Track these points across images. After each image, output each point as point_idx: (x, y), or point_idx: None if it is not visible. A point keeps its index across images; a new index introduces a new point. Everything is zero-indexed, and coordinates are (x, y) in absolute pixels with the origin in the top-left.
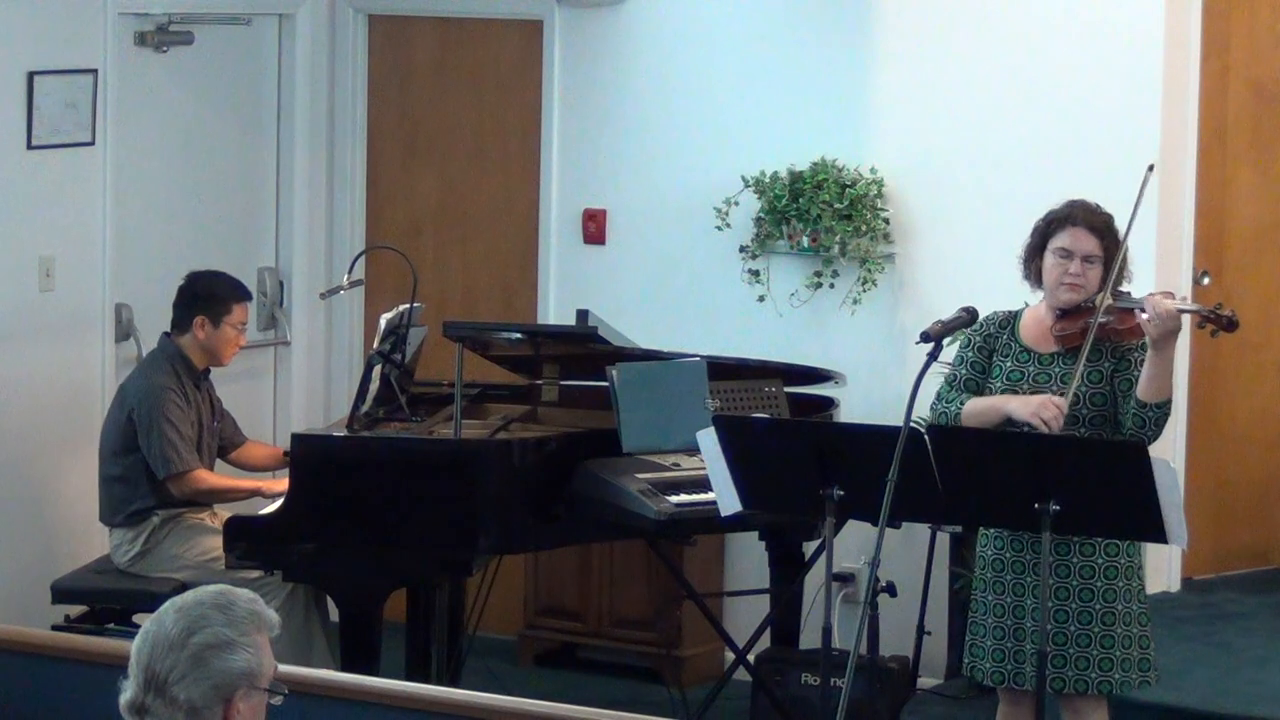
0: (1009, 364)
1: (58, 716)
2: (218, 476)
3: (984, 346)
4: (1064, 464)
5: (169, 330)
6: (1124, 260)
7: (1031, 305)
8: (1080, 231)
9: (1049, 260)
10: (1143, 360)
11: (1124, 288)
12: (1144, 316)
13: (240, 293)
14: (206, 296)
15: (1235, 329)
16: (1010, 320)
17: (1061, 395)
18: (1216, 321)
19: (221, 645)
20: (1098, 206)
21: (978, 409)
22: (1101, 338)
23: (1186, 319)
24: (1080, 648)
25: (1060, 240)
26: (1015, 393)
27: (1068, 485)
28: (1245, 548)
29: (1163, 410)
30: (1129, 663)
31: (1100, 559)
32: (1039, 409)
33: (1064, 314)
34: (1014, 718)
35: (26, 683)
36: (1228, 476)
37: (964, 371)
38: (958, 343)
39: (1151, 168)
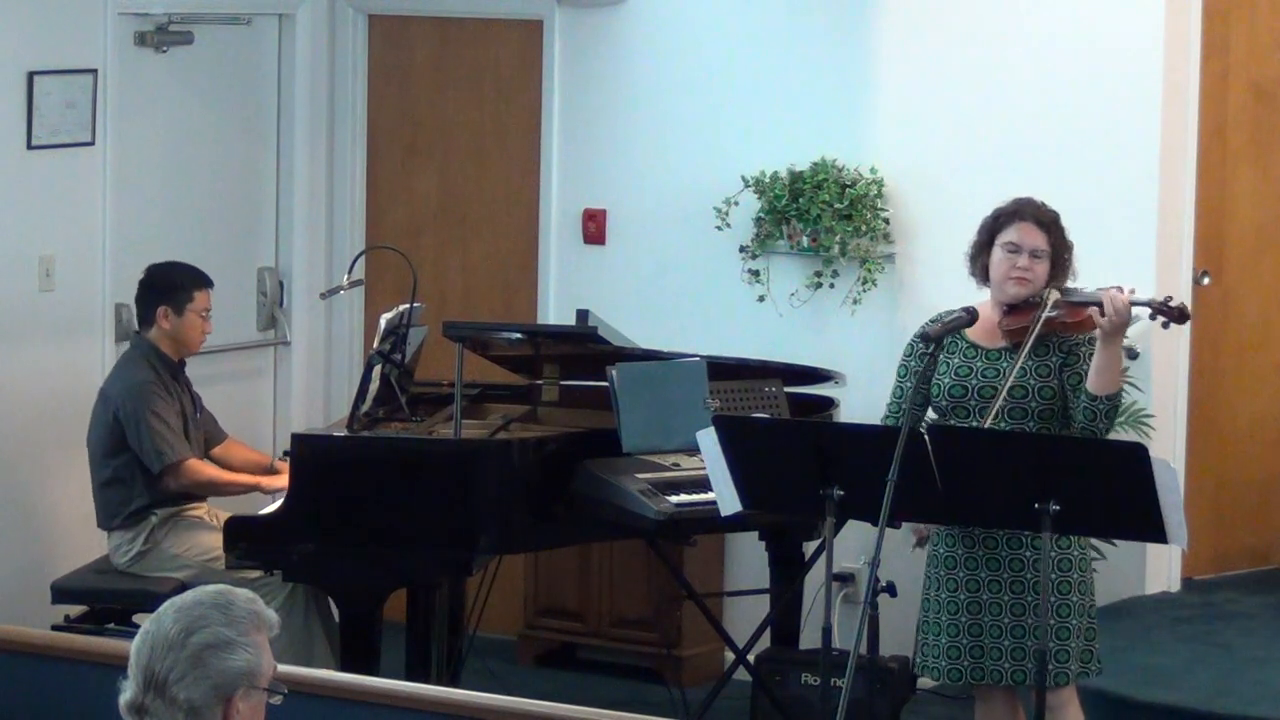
0: (956, 360)
1: (58, 716)
2: (214, 468)
3: (927, 351)
4: (1064, 464)
5: (138, 329)
6: (1068, 260)
7: (979, 302)
8: (1028, 226)
9: (996, 255)
10: (1091, 354)
11: (1071, 283)
12: (1099, 311)
13: (200, 280)
14: (165, 286)
15: (1186, 320)
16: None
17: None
18: (1167, 314)
19: (221, 645)
20: (1044, 204)
21: None
22: (1050, 331)
23: (1143, 312)
24: (1038, 639)
25: (1008, 235)
26: (964, 389)
27: (1068, 485)
28: (1245, 548)
29: (1113, 403)
30: (1074, 653)
31: (1052, 552)
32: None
33: (1011, 309)
34: (990, 713)
35: (26, 683)
36: (1228, 477)
37: (910, 383)
38: (903, 350)
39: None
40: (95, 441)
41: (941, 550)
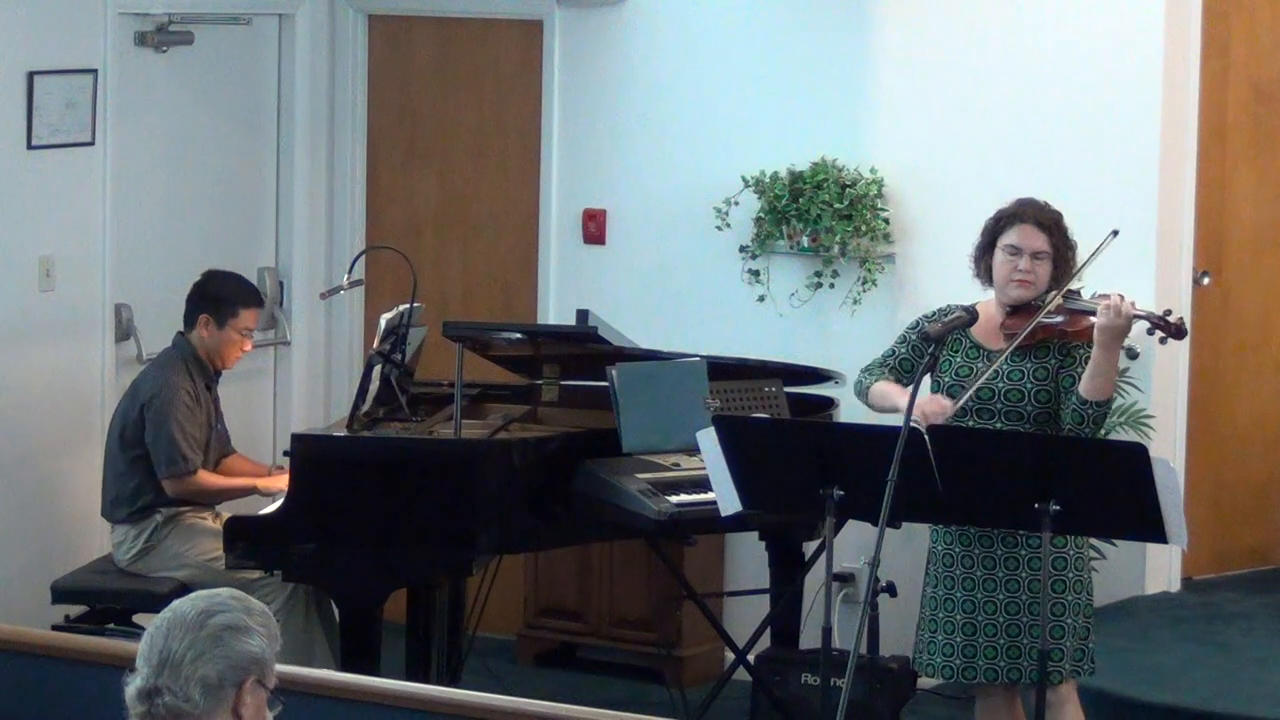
0: (959, 359)
1: (58, 716)
2: (215, 477)
3: (928, 350)
4: (1064, 464)
5: (183, 329)
6: (1072, 260)
7: (984, 301)
8: (1029, 228)
9: (998, 257)
10: (1087, 357)
11: (1077, 285)
12: (1097, 319)
13: (250, 298)
14: (214, 296)
15: (1183, 336)
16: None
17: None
18: (1165, 328)
19: (239, 628)
20: (1046, 204)
21: (879, 391)
22: (1050, 337)
23: (1140, 323)
24: (1033, 638)
25: (1009, 237)
26: (962, 389)
27: (1068, 485)
28: (1245, 548)
29: (1102, 409)
30: (1068, 652)
31: (1048, 550)
32: (923, 404)
33: (1013, 311)
34: (990, 711)
35: (26, 683)
36: (1228, 476)
37: (903, 350)
38: (908, 324)
39: (1115, 233)
40: (118, 432)
41: (940, 547)
